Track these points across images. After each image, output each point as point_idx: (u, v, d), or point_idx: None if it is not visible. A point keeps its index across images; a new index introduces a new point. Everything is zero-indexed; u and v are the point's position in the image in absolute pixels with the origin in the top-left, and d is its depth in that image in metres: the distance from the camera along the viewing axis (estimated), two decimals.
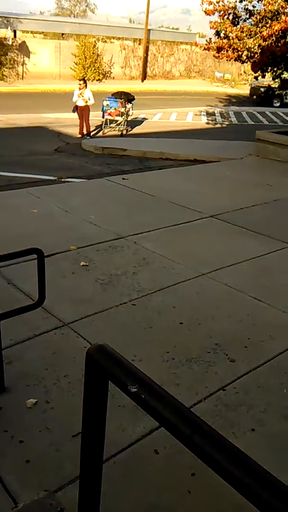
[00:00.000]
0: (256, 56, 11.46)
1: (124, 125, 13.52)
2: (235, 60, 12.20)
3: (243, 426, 2.55)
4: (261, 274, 4.51)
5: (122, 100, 13.52)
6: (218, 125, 16.75)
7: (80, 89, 12.55)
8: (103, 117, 13.56)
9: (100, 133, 13.41)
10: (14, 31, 27.99)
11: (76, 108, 12.60)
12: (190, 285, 4.20)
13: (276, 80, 12.17)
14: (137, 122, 15.36)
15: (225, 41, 11.82)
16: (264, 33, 10.80)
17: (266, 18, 10.99)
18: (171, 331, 3.46)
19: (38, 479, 2.17)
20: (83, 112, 12.56)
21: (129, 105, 13.69)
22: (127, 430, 2.48)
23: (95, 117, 13.47)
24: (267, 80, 12.96)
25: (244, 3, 11.53)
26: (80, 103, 12.48)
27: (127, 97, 13.85)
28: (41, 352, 3.13)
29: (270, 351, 3.27)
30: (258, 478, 0.81)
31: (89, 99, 12.50)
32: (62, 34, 32.02)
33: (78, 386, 2.76)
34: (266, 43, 10.94)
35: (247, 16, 11.75)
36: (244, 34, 11.41)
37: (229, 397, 2.80)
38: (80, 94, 12.45)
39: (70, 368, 2.94)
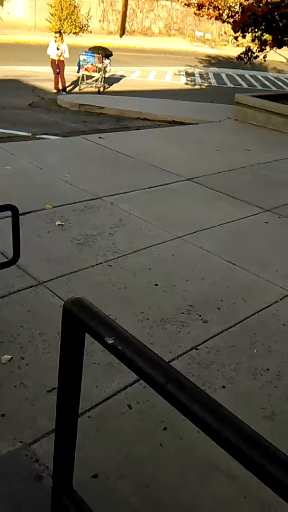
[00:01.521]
0: (237, 15, 11.19)
1: (101, 81, 13.13)
2: (216, 18, 11.91)
3: (214, 384, 2.63)
4: (236, 238, 4.57)
5: (100, 55, 13.07)
6: (197, 86, 16.46)
7: (56, 41, 12.07)
8: (78, 72, 13.11)
9: (76, 89, 13.01)
10: None
11: (54, 65, 12.15)
12: (166, 247, 4.22)
13: (256, 41, 11.94)
14: (114, 79, 14.93)
15: None
16: None
17: None
18: (146, 292, 3.50)
19: (13, 432, 2.21)
20: (58, 66, 12.13)
21: (106, 61, 13.26)
22: (101, 386, 2.54)
23: (70, 72, 13.03)
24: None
25: None
26: (55, 56, 12.03)
27: (104, 53, 13.39)
28: (15, 310, 3.13)
29: (242, 313, 3.36)
30: (229, 424, 0.85)
31: (64, 52, 12.05)
32: None
33: (53, 344, 2.79)
34: (248, 2, 10.67)
35: None
36: None
37: (201, 356, 2.87)
38: (57, 47, 11.99)
39: (46, 326, 2.96)
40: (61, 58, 12.07)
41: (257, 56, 12.17)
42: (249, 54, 12.08)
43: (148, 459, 2.18)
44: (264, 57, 12.32)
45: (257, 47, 11.90)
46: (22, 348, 2.77)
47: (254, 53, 12.05)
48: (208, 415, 0.85)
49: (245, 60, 12.21)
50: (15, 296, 3.27)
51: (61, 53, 12.02)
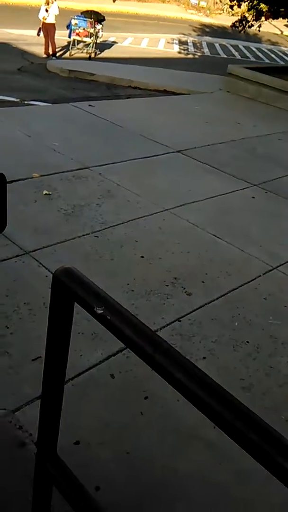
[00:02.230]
0: None
1: (92, 47, 12.81)
2: None
3: (196, 355, 2.69)
4: (223, 213, 4.59)
5: (92, 20, 12.71)
6: (190, 56, 16.15)
7: (47, 3, 11.69)
8: (69, 36, 12.75)
9: (67, 54, 12.68)
10: None
11: (39, 31, 11.78)
12: (153, 219, 4.23)
13: (251, 11, 11.69)
14: (106, 45, 14.57)
15: None
16: None
17: None
18: (132, 264, 3.52)
19: None
20: (48, 30, 11.78)
21: (98, 26, 12.91)
22: (85, 355, 2.58)
23: (61, 37, 12.67)
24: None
25: None
26: (49, 19, 11.66)
27: (97, 17, 13.02)
28: (0, 279, 3.13)
29: (225, 287, 3.41)
30: (212, 391, 0.88)
31: (52, 12, 11.67)
32: None
33: (38, 314, 2.81)
34: None
35: None
36: None
37: (184, 328, 2.93)
38: (46, 9, 11.62)
39: (31, 296, 2.97)
40: (50, 21, 11.70)
41: (252, 25, 11.96)
42: (244, 22, 11.85)
43: (129, 427, 2.25)
44: (259, 26, 12.10)
45: (253, 17, 11.67)
46: (7, 317, 2.79)
47: (249, 21, 11.83)
48: (194, 384, 0.89)
49: (239, 28, 11.99)
50: (1, 265, 3.27)
51: (48, 15, 11.66)
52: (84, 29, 12.66)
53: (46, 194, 4.36)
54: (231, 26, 12.36)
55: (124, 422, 2.26)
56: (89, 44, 12.78)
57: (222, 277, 3.52)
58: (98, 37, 12.96)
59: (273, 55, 18.61)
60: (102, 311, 0.91)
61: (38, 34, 11.92)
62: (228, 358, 2.74)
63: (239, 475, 2.06)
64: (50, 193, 4.39)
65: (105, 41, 14.76)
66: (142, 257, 3.62)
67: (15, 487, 1.82)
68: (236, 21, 12.03)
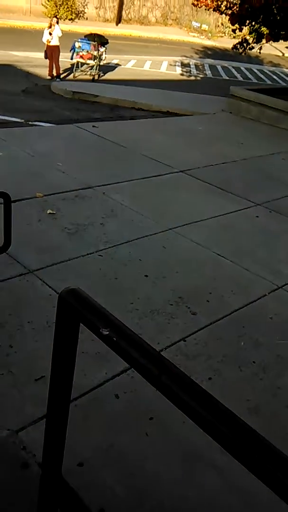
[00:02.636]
0: (235, 7, 11.11)
1: (96, 69, 13.02)
2: (214, 10, 11.80)
3: (201, 375, 2.66)
4: (226, 232, 4.59)
5: (96, 43, 12.95)
6: (193, 78, 16.38)
7: (50, 27, 11.95)
8: (71, 58, 12.97)
9: (71, 76, 12.89)
10: None
11: (46, 54, 12.03)
12: (156, 239, 4.23)
13: (252, 34, 11.91)
14: (109, 67, 14.81)
15: None
16: None
17: None
18: (136, 283, 3.51)
19: (1, 419, 2.22)
20: (53, 52, 12.00)
21: (102, 49, 13.15)
22: (89, 375, 2.55)
23: (65, 59, 12.90)
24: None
25: None
26: (53, 42, 11.89)
27: (100, 40, 13.27)
28: (4, 298, 3.13)
29: (230, 306, 3.39)
30: (218, 413, 0.87)
31: (55, 36, 11.91)
32: None
33: (42, 332, 2.80)
34: None
35: None
36: None
37: (189, 347, 2.90)
38: (49, 32, 11.87)
39: (35, 314, 2.96)
40: (54, 44, 11.92)
41: (253, 47, 12.15)
42: (245, 44, 12.04)
43: (134, 448, 2.21)
44: (260, 49, 12.29)
45: (253, 39, 11.87)
46: (10, 336, 2.77)
47: (249, 44, 12.01)
48: (199, 406, 0.87)
49: (240, 50, 12.18)
50: (4, 284, 3.26)
51: (52, 38, 11.89)
52: (87, 51, 12.88)
53: (50, 213, 4.38)
54: (232, 48, 12.55)
55: (129, 443, 2.23)
56: (92, 66, 13.00)
57: (227, 296, 3.50)
58: (101, 59, 13.19)
59: (275, 77, 18.86)
60: (108, 333, 0.90)
61: (45, 57, 12.14)
62: (234, 379, 2.70)
63: (247, 499, 2.01)
64: (54, 212, 4.41)
65: (109, 63, 15.01)
66: (146, 276, 3.61)
67: (19, 509, 1.78)
68: (237, 43, 12.22)
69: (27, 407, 2.30)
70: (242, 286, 3.68)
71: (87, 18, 28.93)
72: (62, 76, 12.54)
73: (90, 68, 13.06)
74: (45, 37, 12.02)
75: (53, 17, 12.66)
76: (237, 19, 11.28)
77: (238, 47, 12.11)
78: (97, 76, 13.10)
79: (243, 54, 12.56)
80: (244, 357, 2.88)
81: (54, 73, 12.16)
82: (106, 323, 0.92)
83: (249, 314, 3.33)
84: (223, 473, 2.09)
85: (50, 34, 11.92)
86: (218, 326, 3.15)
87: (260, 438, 0.85)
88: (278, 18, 10.57)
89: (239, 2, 10.88)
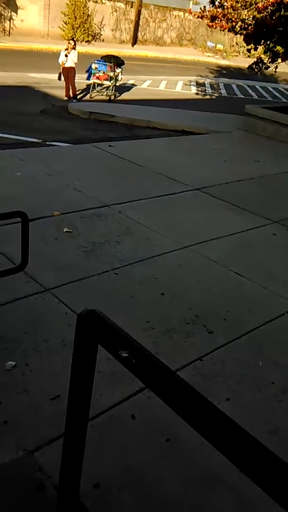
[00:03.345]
0: (250, 28, 11.22)
1: (112, 90, 13.23)
2: (229, 30, 11.93)
3: (219, 395, 2.62)
4: (243, 250, 4.56)
5: (112, 64, 13.18)
6: (208, 97, 16.53)
7: (66, 49, 12.21)
8: (88, 79, 13.20)
9: (87, 97, 13.11)
10: None
11: (60, 76, 12.26)
12: (172, 257, 4.22)
13: (268, 53, 12.01)
14: (125, 87, 15.03)
15: (219, 10, 11.52)
16: (260, 5, 10.56)
17: None
18: (152, 301, 3.49)
19: (16, 439, 2.21)
20: (69, 74, 12.23)
21: (118, 70, 13.36)
22: (105, 394, 2.53)
23: (82, 80, 13.14)
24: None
25: None
26: (68, 63, 12.13)
27: (116, 61, 13.50)
28: (21, 316, 3.14)
29: (248, 325, 3.34)
30: (236, 436, 0.85)
31: (72, 59, 12.15)
32: None
33: (58, 351, 2.79)
34: (261, 15, 10.70)
35: None
36: (239, 5, 11.13)
37: (206, 367, 2.86)
38: (65, 54, 12.12)
39: (51, 333, 2.96)
40: (69, 65, 12.14)
41: (268, 67, 12.24)
42: (260, 64, 12.14)
43: (150, 470, 2.17)
44: (275, 68, 12.37)
45: (269, 58, 11.96)
46: (26, 355, 2.77)
47: (265, 63, 12.11)
48: (218, 429, 0.86)
49: (256, 70, 12.28)
50: (21, 302, 3.28)
51: (67, 60, 12.12)
52: (104, 72, 13.11)
53: (66, 231, 4.41)
54: (247, 68, 12.67)
55: (145, 464, 2.19)
56: (108, 87, 13.21)
57: (244, 315, 3.46)
58: (117, 80, 13.40)
59: None
60: (126, 355, 0.89)
61: (59, 79, 12.38)
62: (252, 400, 2.65)
63: None
64: (71, 230, 4.44)
65: (125, 83, 15.24)
66: (163, 294, 3.60)
67: None
68: (252, 64, 12.33)
69: (43, 427, 2.28)
70: (259, 304, 3.63)
71: (103, 40, 29.54)
72: (78, 97, 12.76)
73: (106, 88, 13.27)
74: (61, 59, 12.27)
75: (70, 39, 12.93)
76: (252, 39, 11.40)
77: (254, 67, 12.22)
78: (113, 96, 13.30)
79: (258, 74, 12.66)
80: (262, 377, 2.83)
81: (71, 93, 12.38)
82: (125, 345, 0.91)
83: (267, 334, 3.29)
84: (241, 497, 2.04)
85: (66, 56, 12.17)
86: (235, 346, 3.11)
87: (277, 460, 0.83)
88: None
89: (253, 22, 11.01)
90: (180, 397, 0.84)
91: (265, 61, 12.03)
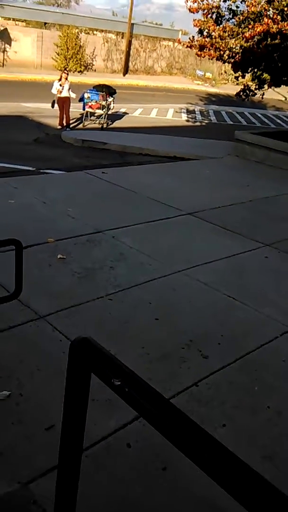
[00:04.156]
0: (237, 56, 11.54)
1: (104, 118, 13.46)
2: (217, 59, 12.26)
3: (215, 421, 2.60)
4: (236, 273, 4.59)
5: (104, 93, 13.45)
6: (198, 123, 16.83)
7: (60, 80, 12.45)
8: (83, 109, 13.45)
9: (80, 125, 13.31)
10: None
11: (54, 103, 12.48)
12: (166, 281, 4.23)
13: (255, 80, 12.34)
14: (117, 116, 15.30)
15: (207, 39, 11.84)
16: (247, 34, 10.87)
17: (249, 19, 11.06)
18: (147, 326, 3.49)
19: (11, 471, 2.17)
20: (64, 103, 12.44)
21: (110, 99, 13.62)
22: (99, 423, 2.50)
23: (74, 109, 13.36)
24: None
25: (227, 3, 11.57)
26: (64, 93, 12.34)
27: (108, 90, 13.77)
28: (15, 344, 3.12)
29: (243, 349, 3.34)
30: (232, 466, 0.85)
31: (66, 90, 12.38)
32: (45, 23, 31.53)
33: (52, 380, 2.77)
34: (248, 44, 11.02)
35: (230, 16, 11.79)
36: (227, 34, 11.46)
37: (202, 393, 2.84)
38: (60, 85, 12.35)
39: (45, 361, 2.94)
40: (64, 95, 12.35)
41: (255, 94, 12.54)
42: (247, 91, 12.44)
43: (146, 500, 2.13)
44: (262, 95, 12.68)
45: (256, 85, 12.28)
46: (20, 384, 2.74)
47: (252, 90, 12.41)
48: (212, 459, 0.86)
49: (243, 97, 12.58)
50: (15, 330, 3.26)
51: (62, 90, 12.35)
52: (96, 101, 13.36)
53: (60, 258, 4.43)
54: (235, 95, 12.97)
55: (141, 494, 2.15)
56: (101, 115, 13.43)
57: (238, 339, 3.46)
58: (109, 108, 13.65)
59: (278, 120, 19.32)
60: (119, 383, 0.90)
61: (52, 106, 12.57)
62: (248, 425, 2.63)
63: None
64: (65, 257, 4.46)
65: (117, 112, 15.51)
66: (157, 319, 3.60)
67: None
68: (240, 91, 12.63)
69: (37, 458, 2.25)
70: (253, 328, 3.64)
71: (95, 70, 30.17)
72: (72, 125, 12.96)
73: (98, 117, 13.49)
74: (54, 88, 12.47)
75: (63, 71, 13.21)
76: (239, 67, 11.71)
77: (241, 94, 12.51)
78: (105, 124, 13.52)
79: (246, 100, 12.96)
80: (258, 402, 2.82)
81: (64, 122, 12.57)
82: (118, 373, 0.91)
83: (262, 357, 3.28)
84: None
85: (61, 85, 12.39)
86: (230, 370, 3.10)
87: (272, 489, 0.83)
88: (280, 65, 10.95)
89: (241, 51, 11.32)
90: (174, 426, 0.85)
91: (252, 88, 12.34)
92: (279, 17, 10.21)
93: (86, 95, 13.35)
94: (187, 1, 11.48)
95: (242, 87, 12.48)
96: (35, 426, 2.44)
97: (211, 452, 0.84)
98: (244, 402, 2.80)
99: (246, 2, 11.08)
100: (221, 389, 2.90)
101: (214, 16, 11.78)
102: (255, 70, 11.93)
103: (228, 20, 11.86)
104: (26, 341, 3.15)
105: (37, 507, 1.95)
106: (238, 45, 11.30)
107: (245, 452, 2.39)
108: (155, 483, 2.21)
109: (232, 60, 11.79)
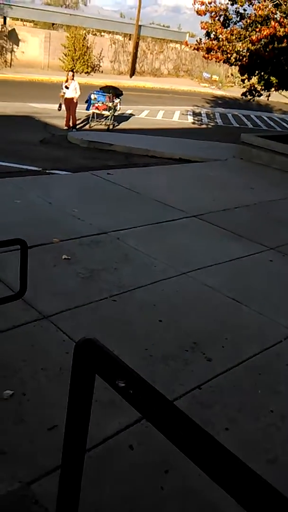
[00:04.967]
0: (244, 59, 11.55)
1: (111, 119, 13.48)
2: (224, 62, 12.28)
3: (218, 425, 2.59)
4: (240, 276, 4.58)
5: (110, 94, 13.47)
6: (204, 126, 16.83)
7: (66, 80, 12.49)
8: (87, 109, 13.46)
9: (87, 127, 13.33)
10: (4, 18, 27.57)
11: (60, 106, 12.51)
12: (170, 283, 4.23)
13: (261, 82, 12.36)
14: (124, 117, 15.32)
15: (215, 42, 11.85)
16: (253, 37, 10.87)
17: (256, 22, 11.06)
18: (150, 328, 3.49)
19: (13, 471, 2.18)
20: (70, 104, 12.47)
21: (116, 100, 13.64)
22: (102, 425, 2.50)
23: (81, 110, 13.39)
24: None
25: (235, 6, 11.58)
26: (69, 94, 12.37)
27: (115, 92, 13.80)
28: (19, 344, 3.12)
29: (246, 352, 3.33)
30: (234, 469, 0.85)
31: (75, 91, 12.41)
32: (53, 24, 31.66)
33: (55, 380, 2.77)
34: (255, 47, 11.02)
35: (238, 19, 11.80)
36: (234, 37, 11.46)
37: (205, 395, 2.84)
38: (66, 86, 12.39)
39: (49, 361, 2.94)
40: (70, 96, 12.38)
41: (261, 94, 12.57)
42: (253, 92, 12.46)
43: (148, 501, 2.13)
44: (268, 96, 12.70)
45: (262, 87, 12.31)
46: (24, 383, 2.75)
47: (257, 91, 12.44)
48: (215, 461, 0.85)
49: (249, 97, 12.61)
50: (19, 330, 3.27)
51: (67, 91, 12.38)
52: (103, 103, 13.38)
53: (65, 258, 4.43)
54: (242, 94, 13.03)
55: (143, 496, 2.15)
56: (107, 116, 13.46)
57: (242, 342, 3.45)
58: (116, 110, 13.67)
59: (284, 124, 19.28)
60: (124, 385, 0.89)
61: (59, 109, 12.62)
62: (251, 429, 2.62)
63: None
64: (69, 257, 4.46)
65: (123, 113, 15.53)
66: (160, 321, 3.59)
67: None
68: (246, 91, 12.66)
69: (39, 458, 2.25)
70: (257, 331, 3.63)
71: (102, 71, 30.24)
72: (78, 126, 12.98)
73: (105, 118, 13.52)
74: (66, 90, 12.51)
75: (69, 71, 13.25)
76: (246, 69, 11.73)
77: (247, 94, 12.54)
78: (111, 126, 13.53)
79: (252, 101, 12.98)
80: (261, 405, 2.81)
81: (71, 123, 12.60)
82: (122, 375, 0.91)
83: (265, 361, 3.27)
84: None
85: (67, 87, 12.43)
86: (234, 373, 3.09)
87: (275, 493, 0.82)
88: (287, 68, 10.95)
89: (248, 54, 11.33)
90: (178, 428, 0.84)
91: (258, 89, 12.37)
92: (286, 20, 10.20)
93: (92, 96, 13.37)
94: (194, 4, 11.50)
95: (249, 87, 12.52)
96: (37, 426, 2.44)
97: (215, 455, 0.84)
98: (247, 405, 2.79)
99: (254, 5, 11.08)
100: (224, 392, 2.89)
101: (221, 19, 11.79)
102: (262, 73, 11.94)
103: (235, 23, 11.87)
104: (29, 341, 3.16)
105: (39, 507, 1.95)
106: (245, 48, 11.30)
107: (249, 456, 2.38)
108: (157, 485, 2.20)
109: (239, 63, 11.80)
